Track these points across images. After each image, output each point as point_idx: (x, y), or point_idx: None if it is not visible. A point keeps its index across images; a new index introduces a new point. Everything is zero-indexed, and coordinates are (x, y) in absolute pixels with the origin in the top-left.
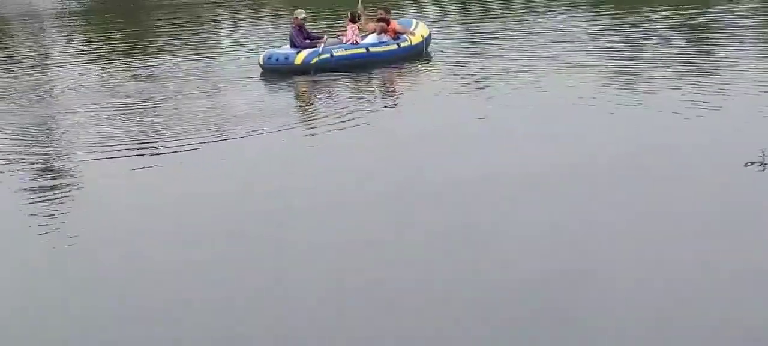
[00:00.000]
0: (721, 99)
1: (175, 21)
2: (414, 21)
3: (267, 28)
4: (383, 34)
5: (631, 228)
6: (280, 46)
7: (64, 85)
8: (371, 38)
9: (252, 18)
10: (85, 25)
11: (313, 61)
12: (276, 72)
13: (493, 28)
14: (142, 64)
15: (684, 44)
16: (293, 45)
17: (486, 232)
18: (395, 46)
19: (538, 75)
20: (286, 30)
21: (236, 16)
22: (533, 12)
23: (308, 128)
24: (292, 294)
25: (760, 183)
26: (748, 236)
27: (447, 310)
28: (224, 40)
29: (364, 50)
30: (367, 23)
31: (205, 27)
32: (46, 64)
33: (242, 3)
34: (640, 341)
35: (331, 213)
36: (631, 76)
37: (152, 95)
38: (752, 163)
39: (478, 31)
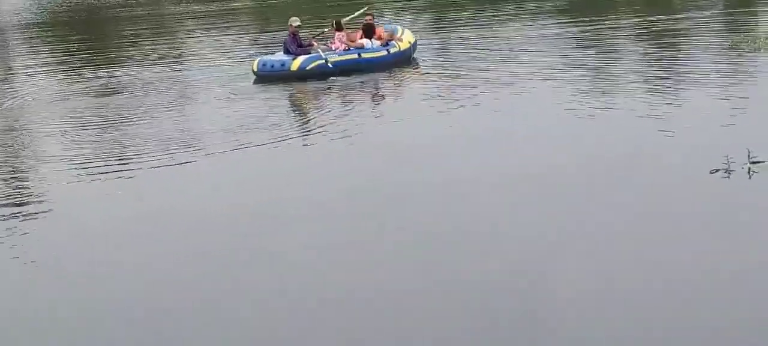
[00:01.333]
0: (685, 106)
1: (140, 32)
2: (400, 27)
3: (238, 38)
4: (370, 40)
5: (596, 235)
6: (273, 53)
7: (23, 98)
8: (365, 44)
9: (220, 29)
10: (44, 37)
11: (309, 67)
12: (270, 79)
13: (461, 35)
14: (104, 75)
15: (647, 51)
16: (287, 52)
17: (461, 235)
18: (386, 53)
19: (507, 82)
20: (253, 40)
21: (205, 27)
22: (500, 19)
23: (292, 137)
24: (273, 304)
25: (725, 190)
26: (715, 244)
27: (426, 312)
28: (194, 51)
29: (356, 56)
30: (349, 31)
31: (172, 38)
32: (7, 76)
33: (210, 15)
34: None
35: (311, 221)
36: (595, 84)
37: (119, 108)
38: (717, 170)
39: (452, 39)
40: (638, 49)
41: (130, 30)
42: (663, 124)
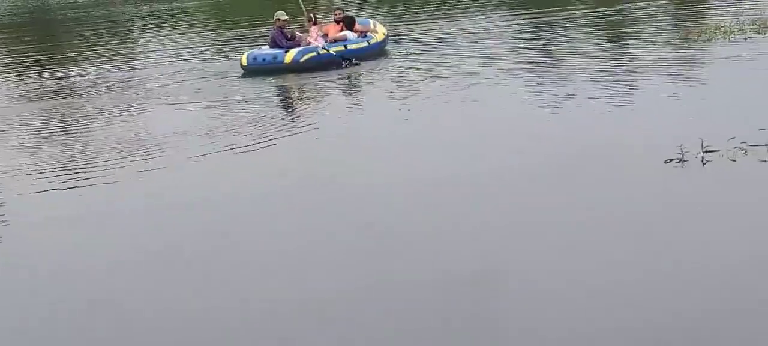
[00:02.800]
0: (638, 97)
1: (95, 34)
2: (371, 20)
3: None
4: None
5: (550, 228)
6: (260, 48)
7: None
8: (348, 36)
9: (174, 29)
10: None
11: (303, 59)
12: (260, 72)
13: (421, 28)
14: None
15: (599, 43)
16: (276, 46)
17: (418, 232)
18: (366, 43)
19: (465, 74)
20: (209, 40)
21: (158, 27)
22: (458, 12)
23: (272, 133)
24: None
25: (679, 180)
26: (670, 234)
27: (383, 310)
28: (148, 51)
29: (343, 48)
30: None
31: (126, 39)
32: None
33: (161, 16)
34: (557, 340)
35: (267, 218)
36: (546, 77)
37: (73, 112)
38: (671, 160)
39: (413, 31)
40: (590, 40)
41: (84, 31)
42: (616, 115)
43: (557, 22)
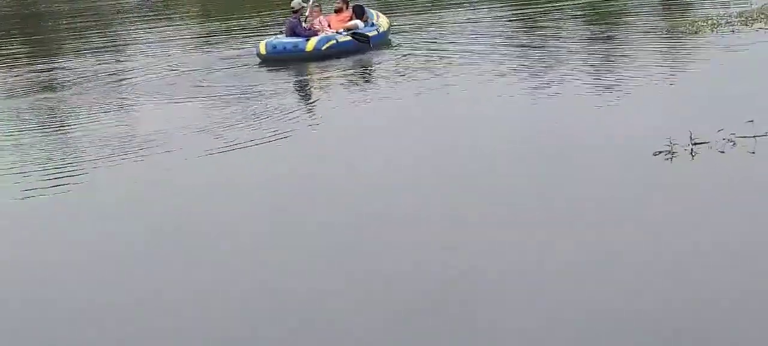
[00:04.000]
0: (627, 89)
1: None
2: (373, 12)
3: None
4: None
5: (539, 220)
6: (276, 36)
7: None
8: (359, 25)
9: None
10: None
11: (325, 47)
12: (281, 61)
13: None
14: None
15: (587, 35)
16: (294, 34)
17: (402, 221)
18: (376, 32)
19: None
20: (199, 33)
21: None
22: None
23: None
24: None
25: (669, 172)
26: (660, 226)
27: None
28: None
29: (349, 37)
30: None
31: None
32: None
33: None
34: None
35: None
36: (535, 68)
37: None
38: (660, 152)
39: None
40: (578, 33)
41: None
42: (605, 108)
43: (545, 14)
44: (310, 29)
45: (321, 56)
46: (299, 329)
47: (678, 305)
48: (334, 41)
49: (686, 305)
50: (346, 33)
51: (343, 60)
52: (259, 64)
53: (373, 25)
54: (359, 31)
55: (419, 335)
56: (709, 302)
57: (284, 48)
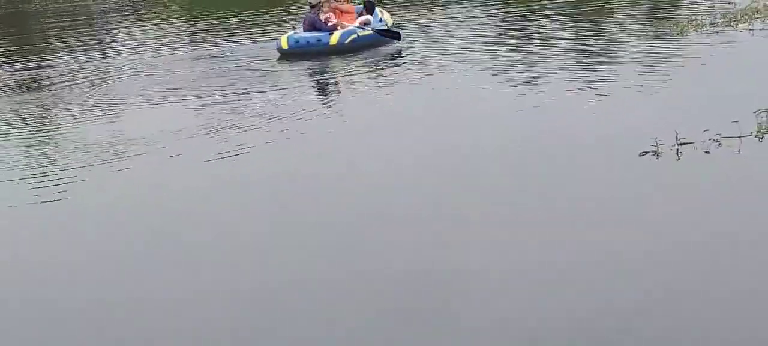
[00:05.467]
0: (612, 89)
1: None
2: (378, 9)
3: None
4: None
5: (523, 219)
6: (295, 30)
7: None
8: (371, 20)
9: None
10: None
11: (348, 41)
12: (303, 55)
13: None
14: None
15: (573, 35)
16: (314, 29)
17: (386, 221)
18: (386, 27)
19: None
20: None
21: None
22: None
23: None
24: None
25: (654, 172)
26: (646, 226)
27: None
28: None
29: (371, 31)
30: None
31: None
32: None
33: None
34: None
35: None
36: (520, 68)
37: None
38: (646, 152)
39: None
40: (564, 33)
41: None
42: (591, 108)
43: (531, 14)
44: (328, 23)
45: (344, 50)
46: (293, 326)
47: (661, 304)
48: (356, 35)
49: (669, 304)
50: (367, 28)
51: (343, 59)
52: (278, 59)
53: (381, 20)
54: (387, 27)
55: (407, 333)
56: (693, 302)
57: (307, 42)
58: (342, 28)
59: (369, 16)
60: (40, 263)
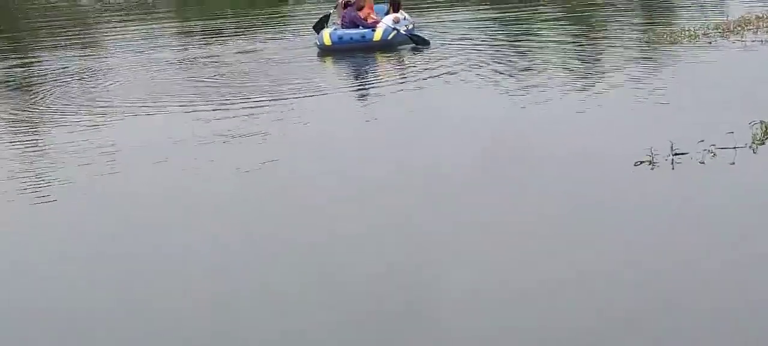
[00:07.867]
0: (606, 99)
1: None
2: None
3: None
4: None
5: (518, 229)
6: (334, 28)
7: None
8: (399, 18)
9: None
10: None
11: (390, 37)
12: (347, 51)
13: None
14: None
15: (567, 44)
16: (353, 26)
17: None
18: (412, 25)
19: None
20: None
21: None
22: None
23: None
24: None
25: (649, 182)
26: (642, 237)
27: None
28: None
29: (404, 30)
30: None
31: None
32: None
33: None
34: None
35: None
36: (515, 76)
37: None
38: (642, 162)
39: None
40: (558, 43)
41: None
42: (586, 118)
43: (525, 23)
44: (367, 20)
45: (387, 46)
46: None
47: (654, 315)
48: (396, 32)
49: (662, 315)
50: (400, 26)
51: (341, 59)
52: (318, 54)
53: (405, 19)
54: (416, 33)
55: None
56: (687, 313)
57: (351, 39)
58: (384, 24)
59: (397, 14)
60: (29, 265)
